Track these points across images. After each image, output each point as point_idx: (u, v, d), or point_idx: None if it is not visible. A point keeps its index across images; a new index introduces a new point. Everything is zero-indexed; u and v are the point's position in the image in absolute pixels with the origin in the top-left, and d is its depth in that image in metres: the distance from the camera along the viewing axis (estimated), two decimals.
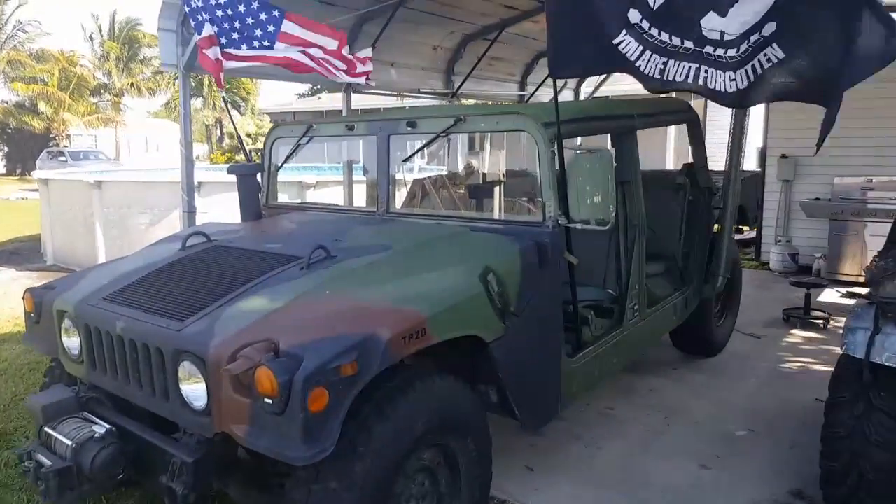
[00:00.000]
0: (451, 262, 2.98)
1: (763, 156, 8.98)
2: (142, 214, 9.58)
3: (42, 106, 33.71)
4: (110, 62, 36.73)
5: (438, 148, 5.33)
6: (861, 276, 7.82)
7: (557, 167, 3.24)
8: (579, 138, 3.90)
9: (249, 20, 4.78)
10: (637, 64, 2.82)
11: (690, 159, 4.88)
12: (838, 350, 5.61)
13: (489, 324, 2.89)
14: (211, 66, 4.81)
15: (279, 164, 4.55)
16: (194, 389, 2.50)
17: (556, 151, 3.21)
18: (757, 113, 7.94)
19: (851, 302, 7.22)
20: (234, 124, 5.43)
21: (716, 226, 4.98)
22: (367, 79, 5.48)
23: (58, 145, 32.87)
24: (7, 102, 35.60)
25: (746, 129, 4.83)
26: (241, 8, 4.76)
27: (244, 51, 4.83)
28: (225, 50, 4.77)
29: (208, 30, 4.67)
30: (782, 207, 8.79)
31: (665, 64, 2.80)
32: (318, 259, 2.94)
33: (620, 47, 2.87)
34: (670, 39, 2.82)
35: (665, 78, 2.81)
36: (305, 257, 2.90)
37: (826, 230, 8.16)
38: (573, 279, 3.42)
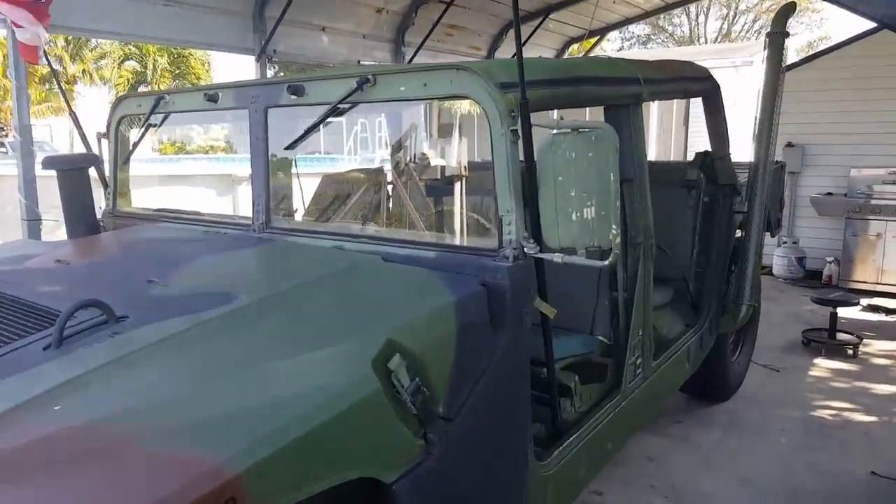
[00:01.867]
0: (326, 334, 1.69)
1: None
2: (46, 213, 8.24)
3: None
4: (59, 47, 34.50)
5: (406, 135, 3.90)
6: (881, 284, 6.73)
7: (524, 157, 1.95)
8: (557, 112, 2.57)
9: None
10: None
11: (707, 146, 3.63)
12: (877, 388, 4.59)
13: (393, 449, 1.58)
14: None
15: (127, 154, 3.21)
16: None
17: (519, 131, 1.91)
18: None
19: (876, 318, 6.07)
20: (67, 103, 3.94)
21: (737, 234, 3.75)
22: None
23: (6, 135, 30.86)
24: None
25: (779, 106, 3.60)
26: None
27: None
28: None
29: None
30: (787, 204, 7.60)
31: None
32: (88, 325, 1.65)
33: None
34: None
35: None
36: (58, 324, 1.59)
37: (840, 230, 7.01)
38: (548, 330, 2.14)
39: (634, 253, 2.67)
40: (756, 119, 3.54)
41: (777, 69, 3.46)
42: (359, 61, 6.39)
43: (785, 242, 7.48)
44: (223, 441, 1.26)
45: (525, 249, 1.94)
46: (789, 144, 7.42)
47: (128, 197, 3.26)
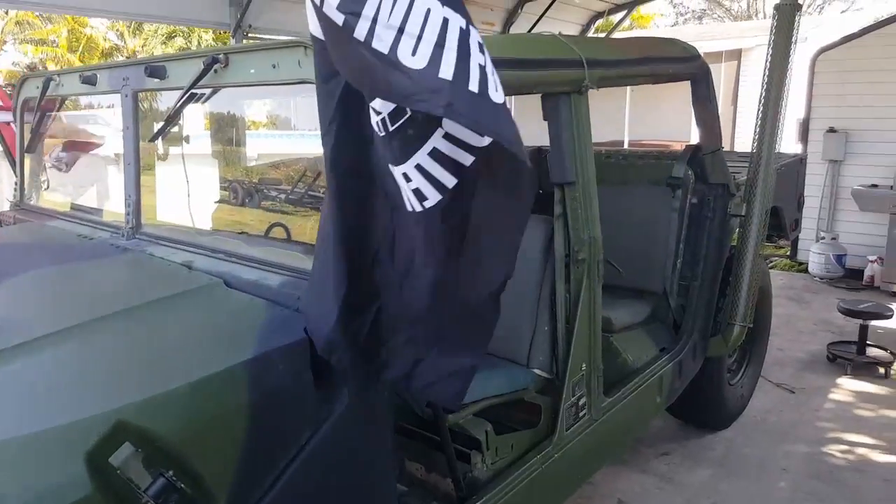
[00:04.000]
0: (56, 405, 1.28)
1: (805, 129, 7.03)
2: None
3: (52, 68, 32.21)
4: (121, 22, 34.88)
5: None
6: None
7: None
8: None
9: None
10: None
11: (694, 138, 3.08)
12: None
13: None
14: None
15: (31, 142, 2.89)
16: None
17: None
18: (799, 74, 5.89)
19: None
20: None
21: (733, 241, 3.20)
22: None
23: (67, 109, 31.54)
24: (17, 65, 34.16)
25: (787, 92, 3.00)
26: None
27: None
28: None
29: None
30: (827, 195, 6.87)
31: None
32: None
33: None
34: None
35: None
36: None
37: (885, 226, 6.28)
38: None
39: (577, 272, 2.18)
40: (760, 105, 2.96)
41: (786, 46, 2.88)
42: None
43: (823, 238, 6.76)
44: None
45: None
46: (831, 130, 6.68)
47: (36, 188, 2.95)
